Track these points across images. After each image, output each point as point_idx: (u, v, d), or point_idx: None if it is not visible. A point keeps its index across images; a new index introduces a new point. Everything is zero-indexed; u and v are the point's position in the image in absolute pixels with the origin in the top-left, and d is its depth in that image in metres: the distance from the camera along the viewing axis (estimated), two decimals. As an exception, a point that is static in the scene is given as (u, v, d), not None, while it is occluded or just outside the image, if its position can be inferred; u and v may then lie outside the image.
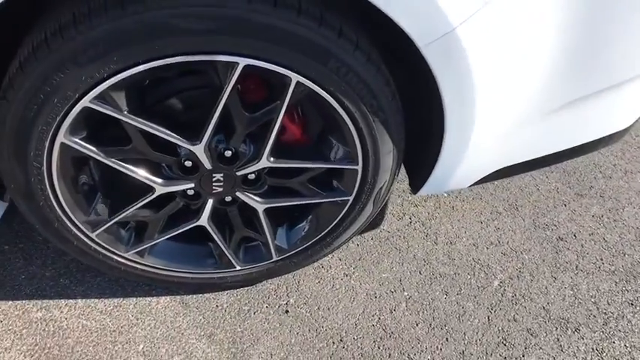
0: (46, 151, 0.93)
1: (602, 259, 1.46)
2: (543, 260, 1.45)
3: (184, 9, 0.80)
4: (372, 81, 0.93)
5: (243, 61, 0.85)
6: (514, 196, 1.63)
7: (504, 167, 1.17)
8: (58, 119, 0.88)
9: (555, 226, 1.55)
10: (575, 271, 1.43)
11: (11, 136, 0.91)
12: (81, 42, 0.80)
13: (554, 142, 1.13)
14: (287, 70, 0.88)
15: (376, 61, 0.93)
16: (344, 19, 0.87)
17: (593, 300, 1.37)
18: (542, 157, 1.17)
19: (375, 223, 1.52)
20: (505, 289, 1.38)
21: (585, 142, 1.17)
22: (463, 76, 0.91)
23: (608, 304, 1.36)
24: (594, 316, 1.34)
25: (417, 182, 1.19)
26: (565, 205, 1.61)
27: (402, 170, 1.31)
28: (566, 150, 1.17)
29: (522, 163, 1.18)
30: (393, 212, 1.57)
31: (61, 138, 0.92)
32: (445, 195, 1.63)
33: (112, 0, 0.79)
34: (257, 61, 0.86)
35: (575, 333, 1.30)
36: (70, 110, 0.88)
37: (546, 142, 1.13)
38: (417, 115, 1.07)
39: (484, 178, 1.19)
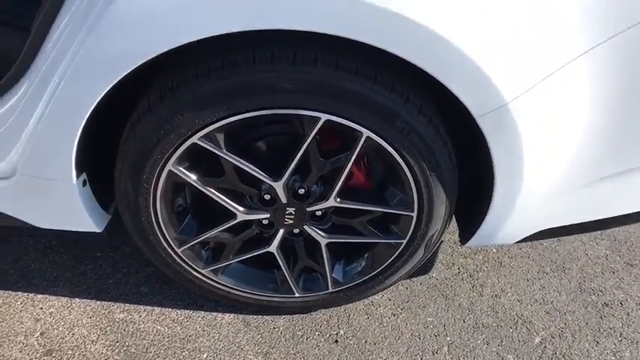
0: (155, 176, 1.13)
1: (648, 330, 1.48)
2: (587, 323, 1.49)
3: (281, 72, 0.99)
4: (431, 141, 1.08)
5: (324, 117, 1.03)
6: (562, 259, 1.68)
7: (550, 228, 1.26)
8: (170, 151, 1.09)
9: (602, 292, 1.58)
10: (619, 338, 1.46)
11: (131, 161, 1.12)
12: (200, 93, 1.01)
13: (599, 209, 1.22)
14: (360, 127, 1.05)
15: (436, 124, 1.08)
16: (411, 87, 1.03)
17: (636, 369, 1.39)
18: (588, 222, 1.26)
19: (425, 269, 1.62)
20: (546, 347, 1.43)
21: (631, 211, 1.25)
22: (513, 143, 1.04)
23: (653, 375, 1.37)
24: (637, 385, 1.35)
25: (466, 234, 1.30)
26: (613, 273, 1.64)
27: (454, 223, 1.42)
28: (611, 218, 1.25)
29: (567, 226, 1.26)
30: (443, 261, 1.67)
31: (169, 166, 1.12)
32: (494, 250, 1.71)
33: (228, 62, 1.00)
34: (336, 118, 1.03)
35: (616, 399, 1.32)
36: (181, 145, 1.08)
37: (591, 209, 1.21)
38: (470, 172, 1.19)
39: (530, 236, 1.28)
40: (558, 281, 1.61)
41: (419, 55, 0.93)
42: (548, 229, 1.27)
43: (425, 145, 1.07)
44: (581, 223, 1.25)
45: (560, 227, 1.27)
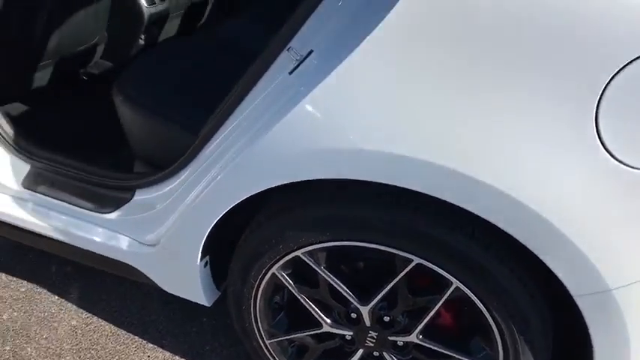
0: (260, 275, 1.28)
1: None
2: None
3: (384, 215, 1.08)
4: (525, 306, 1.05)
5: (416, 260, 1.08)
6: None
7: None
8: (277, 258, 1.23)
9: None
10: None
11: (245, 260, 1.28)
12: (309, 218, 1.14)
13: None
14: (451, 277, 1.07)
15: (531, 290, 1.05)
16: (508, 251, 1.04)
17: None
18: None
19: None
20: None
21: None
22: (614, 329, 0.97)
23: None
24: None
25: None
26: None
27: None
28: None
29: None
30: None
31: (273, 270, 1.26)
32: None
33: (338, 196, 1.12)
34: (428, 263, 1.08)
35: None
36: (287, 255, 1.21)
37: None
38: (568, 346, 1.13)
39: None
40: None
41: (526, 235, 0.95)
42: None
43: (516, 307, 1.05)
44: None
45: None
